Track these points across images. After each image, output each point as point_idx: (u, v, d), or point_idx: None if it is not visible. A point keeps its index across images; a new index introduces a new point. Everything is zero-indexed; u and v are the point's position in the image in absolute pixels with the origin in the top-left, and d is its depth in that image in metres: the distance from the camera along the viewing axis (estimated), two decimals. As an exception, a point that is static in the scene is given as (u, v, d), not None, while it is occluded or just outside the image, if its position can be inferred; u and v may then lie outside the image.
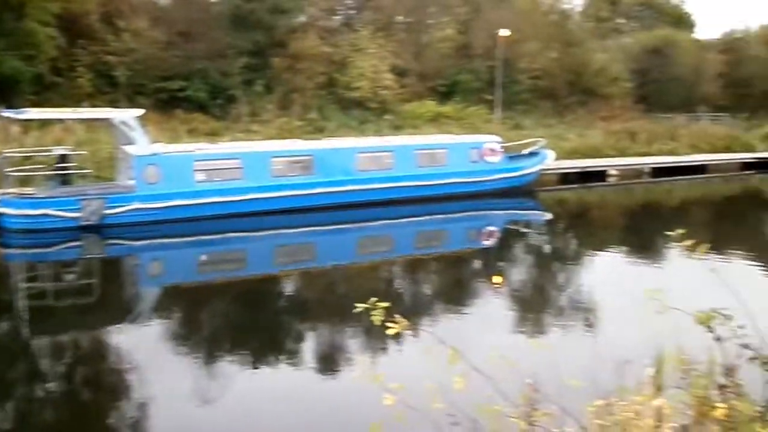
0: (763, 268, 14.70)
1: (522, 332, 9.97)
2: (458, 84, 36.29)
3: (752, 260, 15.55)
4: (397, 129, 30.17)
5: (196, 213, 17.87)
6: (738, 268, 13.99)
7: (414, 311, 11.69)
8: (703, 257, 3.83)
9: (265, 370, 8.83)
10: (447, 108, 33.73)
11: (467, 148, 23.12)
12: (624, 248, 17.55)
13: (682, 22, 57.91)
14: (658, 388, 3.37)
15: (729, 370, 3.23)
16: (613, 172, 29.58)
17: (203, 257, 16.40)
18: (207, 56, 29.27)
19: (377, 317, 2.78)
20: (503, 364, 3.26)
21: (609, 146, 32.60)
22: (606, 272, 14.51)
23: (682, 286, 4.53)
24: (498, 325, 10.28)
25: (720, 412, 2.70)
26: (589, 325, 9.87)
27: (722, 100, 44.70)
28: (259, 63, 30.89)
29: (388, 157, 21.62)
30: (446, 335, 10.08)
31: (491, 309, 11.56)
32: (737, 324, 3.44)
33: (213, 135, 25.50)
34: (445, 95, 35.48)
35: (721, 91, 44.83)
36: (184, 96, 28.55)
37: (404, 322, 2.79)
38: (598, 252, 17.42)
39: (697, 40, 50.46)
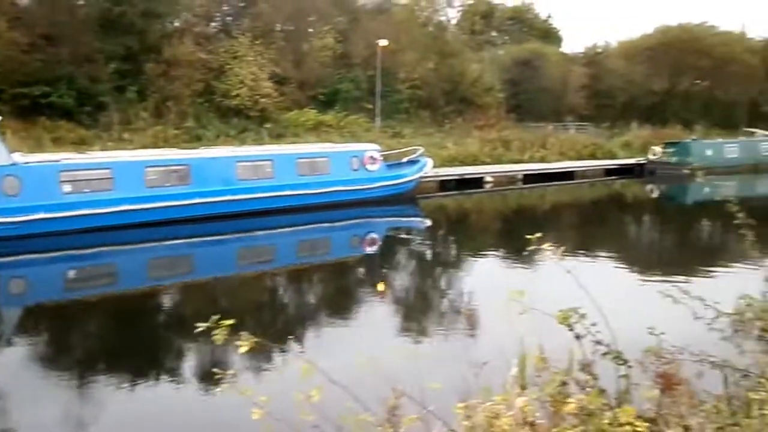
0: (622, 266, 15.78)
1: (398, 338, 10.10)
2: (339, 93, 36.50)
3: (614, 259, 16.68)
4: (277, 138, 29.91)
5: (63, 227, 16.85)
6: (601, 266, 14.95)
7: (294, 321, 11.62)
8: (571, 258, 4.04)
9: (139, 391, 8.44)
10: (328, 117, 33.84)
11: (348, 157, 23.29)
12: (500, 252, 18.25)
13: (550, 36, 61.31)
14: (522, 387, 3.52)
15: (585, 366, 3.42)
16: (489, 178, 30.75)
17: (71, 273, 15.47)
18: (73, 60, 27.71)
19: (220, 336, 2.73)
20: (374, 370, 3.29)
21: (485, 154, 33.87)
22: (482, 276, 15.01)
23: (548, 287, 4.76)
24: (377, 332, 10.39)
25: (571, 406, 2.86)
26: (463, 328, 10.19)
27: (587, 110, 47.68)
28: (132, 69, 29.63)
29: (269, 166, 21.38)
30: (324, 344, 10.09)
31: (372, 316, 11.66)
32: (591, 322, 3.64)
33: (81, 144, 24.21)
34: (325, 104, 35.58)
35: (585, 102, 47.80)
36: (47, 102, 26.86)
37: (252, 339, 2.76)
38: (475, 256, 18.00)
39: (564, 54, 53.61)
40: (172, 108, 29.39)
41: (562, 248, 4.19)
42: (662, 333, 4.07)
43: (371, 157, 23.64)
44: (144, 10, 29.65)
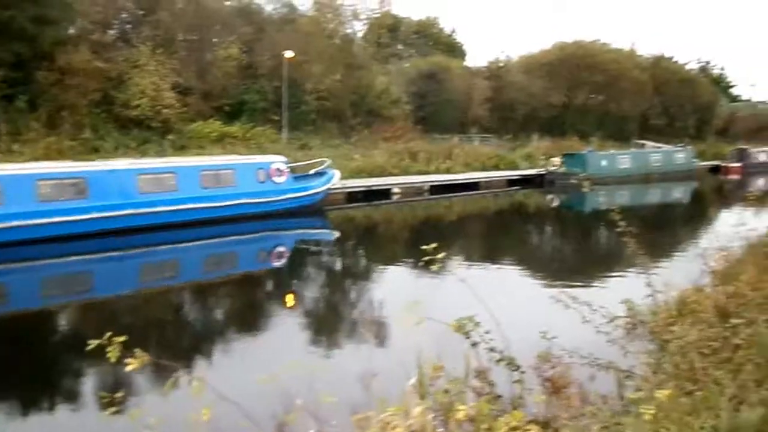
0: (524, 273, 16.31)
1: (302, 352, 10.02)
2: (244, 104, 36.03)
3: (516, 267, 17.23)
4: (180, 149, 29.17)
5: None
6: (504, 274, 15.40)
7: (196, 338, 11.33)
8: (477, 267, 4.14)
9: (24, 417, 7.98)
10: (233, 128, 33.31)
11: (254, 169, 22.99)
12: (408, 262, 18.43)
13: (455, 50, 62.94)
14: (422, 396, 3.57)
15: (479, 373, 3.52)
16: (396, 189, 31.09)
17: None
18: (-45, 68, 26.09)
19: (113, 354, 2.64)
20: (273, 386, 3.25)
21: (392, 165, 34.25)
22: (390, 286, 15.12)
23: (455, 296, 4.85)
24: (281, 346, 10.29)
25: (462, 413, 2.93)
26: (367, 340, 10.22)
27: (490, 122, 49.17)
28: (22, 77, 28.14)
29: (171, 178, 20.79)
30: (226, 361, 9.87)
31: (277, 331, 11.53)
32: (488, 329, 3.76)
33: (-36, 156, 22.76)
34: (231, 115, 35.02)
35: (488, 114, 49.27)
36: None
37: (145, 356, 2.68)
38: (384, 267, 18.09)
39: (467, 67, 55.08)
40: (67, 118, 28.11)
41: (458, 258, 4.31)
42: (554, 337, 4.25)
43: (278, 169, 23.44)
44: (35, 16, 28.22)
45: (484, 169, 38.35)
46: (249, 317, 12.64)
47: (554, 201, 35.15)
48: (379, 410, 3.04)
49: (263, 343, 10.75)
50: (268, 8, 42.36)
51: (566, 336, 5.23)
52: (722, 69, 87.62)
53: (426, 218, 29.05)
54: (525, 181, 37.88)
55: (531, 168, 40.15)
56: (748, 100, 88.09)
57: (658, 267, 16.49)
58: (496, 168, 39.12)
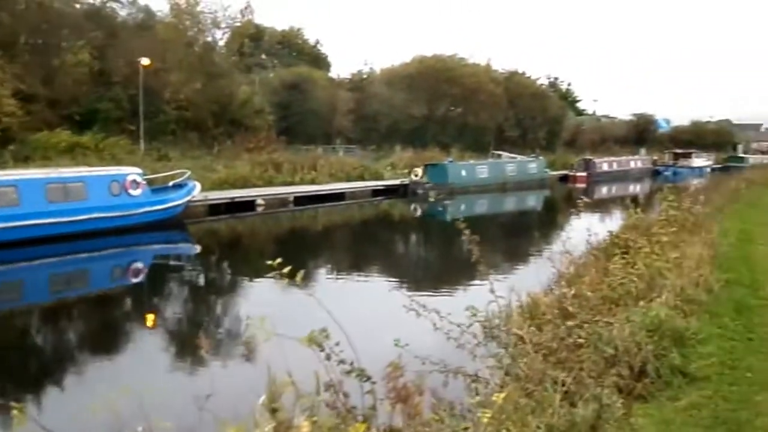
0: (386, 282, 16.56)
1: (151, 373, 9.62)
2: (97, 113, 34.16)
3: (378, 276, 17.50)
4: (24, 161, 27.11)
5: None
6: (367, 284, 15.60)
7: (33, 366, 10.56)
8: (343, 277, 4.12)
9: None
10: (84, 138, 31.44)
11: (107, 181, 21.81)
12: (272, 276, 18.15)
13: (319, 61, 63.16)
14: (271, 414, 3.51)
15: (330, 386, 3.52)
16: (260, 201, 30.63)
17: None
18: None
19: None
20: (111, 412, 3.08)
21: (256, 176, 33.75)
22: (252, 301, 14.78)
23: (309, 310, 4.79)
24: (129, 368, 9.82)
25: (306, 429, 2.92)
26: (222, 358, 9.96)
27: (354, 133, 49.75)
28: None
29: (12, 192, 19.26)
30: (66, 387, 9.23)
31: (128, 353, 10.97)
32: (344, 340, 3.77)
33: None
34: (82, 124, 33.05)
35: (352, 125, 49.84)
36: None
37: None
38: (247, 281, 17.72)
39: (332, 79, 55.48)
40: None
41: (323, 269, 4.30)
42: (406, 345, 4.33)
43: (133, 181, 22.38)
44: None
45: (348, 179, 38.67)
46: (97, 339, 11.95)
47: (417, 210, 36.08)
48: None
49: (110, 366, 10.18)
50: (123, 13, 40.54)
51: (424, 343, 5.37)
52: (569, 84, 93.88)
53: (291, 230, 28.85)
54: (389, 192, 38.60)
55: (394, 178, 40.96)
56: (592, 114, 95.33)
57: (513, 272, 17.44)
58: (361, 178, 39.58)
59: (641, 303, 7.48)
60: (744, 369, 6.64)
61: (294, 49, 64.37)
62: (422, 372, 4.04)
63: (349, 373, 3.55)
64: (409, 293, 14.40)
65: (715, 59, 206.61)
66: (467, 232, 5.03)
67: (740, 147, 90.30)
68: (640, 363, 6.34)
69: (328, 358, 3.94)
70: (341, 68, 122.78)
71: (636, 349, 6.35)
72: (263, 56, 60.93)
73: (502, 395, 3.01)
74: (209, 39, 40.30)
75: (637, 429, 4.88)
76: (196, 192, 24.99)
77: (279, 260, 3.75)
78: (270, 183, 33.96)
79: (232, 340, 11.22)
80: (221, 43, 42.72)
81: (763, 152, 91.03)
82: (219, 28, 40.29)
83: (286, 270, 3.77)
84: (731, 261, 12.32)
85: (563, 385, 3.91)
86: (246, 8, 39.94)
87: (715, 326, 7.98)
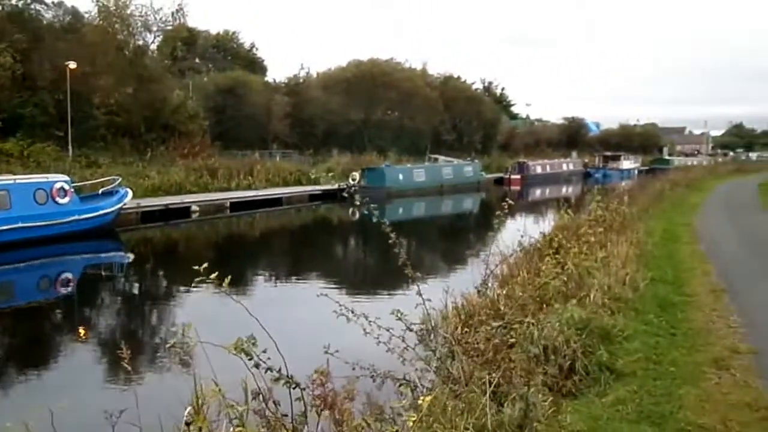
0: (323, 287, 16.48)
1: (85, 387, 9.30)
2: (21, 118, 32.83)
3: (315, 281, 17.40)
4: (-58, 169, 25.87)
5: None
6: (304, 290, 15.47)
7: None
8: (282, 283, 4.05)
9: None
10: (8, 145, 30.22)
11: (32, 189, 21.01)
12: (208, 284, 17.83)
13: (255, 65, 62.47)
14: (198, 425, 3.44)
15: (257, 395, 3.47)
16: (195, 208, 30.07)
17: None
18: None
19: None
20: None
21: (191, 183, 33.17)
22: (186, 311, 14.47)
23: (241, 317, 4.70)
24: (53, 385, 9.46)
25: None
26: (151, 370, 9.72)
27: (291, 138, 49.34)
28: None
29: (-72, 202, 18.35)
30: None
31: (60, 365, 10.58)
32: (266, 348, 3.72)
33: None
34: (4, 131, 31.70)
35: (289, 130, 49.40)
36: None
37: None
38: (181, 290, 17.28)
39: (268, 83, 54.93)
40: None
41: (259, 276, 4.24)
42: (336, 351, 4.31)
43: (61, 189, 21.63)
44: None
45: (286, 184, 38.41)
46: (21, 355, 11.47)
47: (355, 214, 36.07)
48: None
49: (34, 382, 9.78)
50: (48, 15, 39.08)
51: (361, 348, 5.36)
52: (503, 89, 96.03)
53: (228, 236, 28.40)
54: (327, 196, 38.49)
55: (332, 183, 40.86)
56: (526, 118, 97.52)
57: (451, 273, 17.62)
58: (298, 183, 39.35)
59: (573, 302, 7.66)
60: (668, 364, 6.88)
61: (229, 53, 63.49)
62: (352, 377, 4.03)
63: (277, 380, 3.51)
64: (347, 298, 14.43)
65: (642, 66, 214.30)
66: (393, 235, 5.03)
67: (666, 149, 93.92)
68: (569, 361, 6.50)
69: (256, 365, 3.89)
70: (277, 72, 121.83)
71: (565, 347, 6.51)
72: (197, 60, 59.85)
73: (428, 398, 3.02)
74: (140, 42, 39.27)
75: (565, 426, 4.99)
76: (128, 199, 24.34)
77: (205, 265, 3.66)
78: (205, 189, 33.44)
79: (161, 350, 10.94)
80: (153, 46, 41.72)
81: (687, 154, 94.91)
82: (150, 31, 39.34)
83: (213, 276, 3.68)
84: (656, 259, 12.79)
85: (492, 385, 3.96)
86: (178, 11, 39.07)
87: (640, 323, 8.25)
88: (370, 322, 4.51)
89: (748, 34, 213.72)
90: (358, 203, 5.47)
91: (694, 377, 6.52)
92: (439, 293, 9.87)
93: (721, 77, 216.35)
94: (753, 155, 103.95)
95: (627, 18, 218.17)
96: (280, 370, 3.57)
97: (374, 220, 5.41)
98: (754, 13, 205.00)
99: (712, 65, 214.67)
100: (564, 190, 53.67)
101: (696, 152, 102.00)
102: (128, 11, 37.31)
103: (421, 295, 5.35)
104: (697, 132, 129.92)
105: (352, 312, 4.60)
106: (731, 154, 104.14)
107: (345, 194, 5.09)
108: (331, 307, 5.35)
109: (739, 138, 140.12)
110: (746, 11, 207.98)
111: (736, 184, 39.32)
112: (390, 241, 5.08)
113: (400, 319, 4.67)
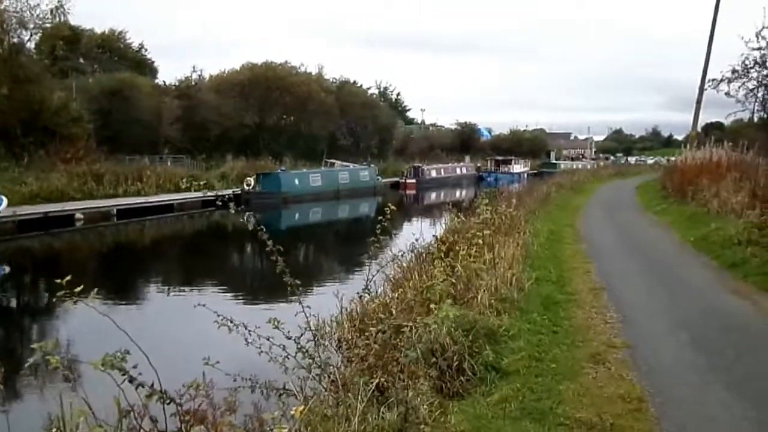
0: (217, 296, 16.10)
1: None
2: None
3: (207, 290, 16.97)
4: None
5: None
6: (189, 300, 15.00)
7: None
8: (175, 294, 3.86)
9: None
10: None
11: None
12: (99, 295, 17.00)
13: (143, 66, 60.13)
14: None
15: (127, 412, 3.31)
16: (79, 215, 28.63)
17: None
18: None
19: None
20: None
21: (74, 189, 31.63)
22: (72, 325, 13.72)
23: (119, 330, 4.47)
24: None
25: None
26: (18, 389, 9.14)
27: (182, 142, 47.85)
28: None
29: None
30: None
31: None
32: (141, 363, 3.56)
33: None
34: None
35: (180, 134, 47.91)
36: None
37: None
38: (63, 304, 16.32)
39: (157, 85, 53.04)
40: None
41: (146, 287, 4.05)
42: (217, 362, 4.18)
43: None
44: None
45: (177, 190, 37.25)
46: None
47: (251, 221, 35.44)
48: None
49: None
50: None
51: (244, 359, 5.24)
52: (398, 94, 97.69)
53: (115, 245, 27.20)
54: (221, 202, 37.48)
55: (226, 188, 39.98)
56: (421, 123, 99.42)
57: (347, 278, 17.65)
58: (191, 189, 38.19)
59: (449, 302, 7.83)
60: (549, 361, 7.17)
61: (116, 53, 60.74)
62: (234, 389, 3.92)
63: (149, 396, 3.36)
64: (234, 307, 14.19)
65: (530, 73, 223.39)
66: (270, 242, 4.96)
67: (553, 154, 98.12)
68: (457, 362, 6.64)
69: (130, 380, 3.71)
70: (168, 74, 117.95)
71: (452, 348, 6.64)
72: (81, 60, 56.95)
73: (300, 408, 2.98)
74: (15, 40, 36.92)
75: (450, 427, 5.08)
76: (3, 207, 22.82)
77: (68, 278, 3.45)
78: (90, 196, 31.97)
79: (28, 370, 10.31)
80: (30, 45, 39.35)
81: (572, 159, 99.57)
82: (26, 28, 37.06)
83: (77, 290, 3.48)
84: (541, 260, 13.31)
85: (375, 389, 3.98)
86: (58, 8, 37.04)
87: (525, 322, 8.55)
88: (249, 331, 4.41)
89: (630, 47, 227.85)
90: (233, 210, 5.33)
91: (573, 373, 6.82)
92: (335, 298, 9.87)
93: (603, 86, 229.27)
94: (632, 159, 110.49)
95: (513, 29, 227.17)
96: (152, 385, 3.43)
97: (282, 227, 5.30)
98: (632, 26, 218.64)
99: (594, 75, 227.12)
100: (458, 193, 55.11)
101: (581, 156, 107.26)
102: (2, 7, 35.04)
103: (300, 302, 5.30)
104: (581, 137, 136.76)
105: (231, 321, 4.49)
106: (612, 158, 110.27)
107: (219, 202, 4.95)
108: (216, 317, 5.21)
109: (619, 143, 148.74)
110: (623, 25, 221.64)
111: (617, 187, 41.66)
112: (267, 249, 4.98)
113: (277, 327, 4.61)
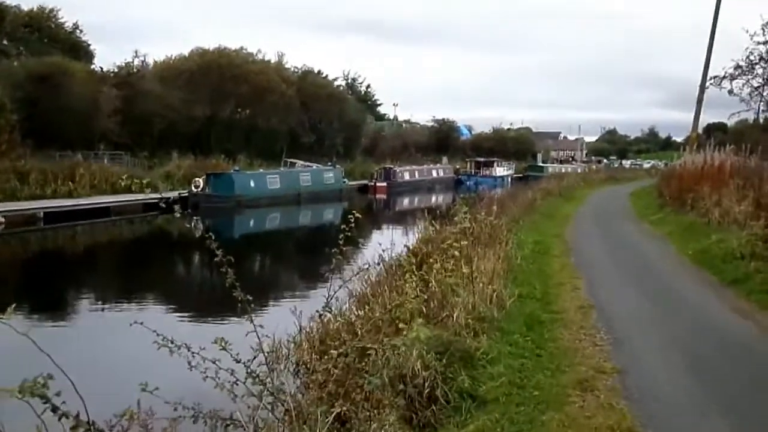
0: (153, 314, 15.94)
1: None
2: None
3: (146, 306, 16.79)
4: None
5: None
6: (125, 318, 14.80)
7: None
8: (107, 310, 3.79)
9: None
10: None
11: None
12: (19, 311, 16.70)
13: (78, 50, 59.41)
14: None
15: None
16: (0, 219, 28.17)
17: None
18: None
19: None
20: None
21: (-6, 189, 31.12)
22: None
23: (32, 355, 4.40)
24: None
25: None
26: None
27: (122, 137, 47.26)
28: None
29: None
30: None
31: None
32: (55, 390, 3.51)
33: None
34: None
35: (120, 128, 47.33)
36: None
37: None
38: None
39: (94, 72, 52.32)
40: None
41: (75, 304, 3.99)
42: (156, 388, 4.14)
43: None
44: None
45: (115, 192, 36.86)
46: None
47: (199, 227, 35.18)
48: None
49: None
50: None
51: (188, 385, 5.19)
52: (368, 86, 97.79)
53: (41, 253, 26.79)
54: (165, 205, 37.25)
55: (172, 190, 39.67)
56: (393, 119, 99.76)
57: (308, 294, 17.59)
58: (131, 191, 37.80)
59: (420, 321, 7.85)
60: (532, 387, 7.22)
61: (45, 34, 59.88)
62: (174, 419, 3.88)
63: (75, 428, 3.30)
64: (178, 325, 14.05)
65: (515, 66, 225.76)
66: (220, 252, 4.93)
67: (540, 156, 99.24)
68: (428, 388, 6.65)
69: (53, 410, 3.66)
70: (106, 60, 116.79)
71: (423, 373, 6.66)
72: (5, 42, 56.09)
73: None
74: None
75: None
76: None
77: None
78: (13, 197, 31.49)
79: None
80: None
81: (561, 161, 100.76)
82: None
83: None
84: (525, 274, 13.43)
85: (337, 420, 3.96)
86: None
87: (506, 344, 8.60)
88: (193, 353, 4.37)
89: (624, 38, 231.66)
90: (178, 214, 5.30)
91: (558, 401, 6.87)
92: (293, 316, 9.81)
93: (595, 81, 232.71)
94: (626, 162, 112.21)
95: (495, 17, 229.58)
96: (78, 415, 3.37)
97: (236, 235, 5.28)
98: (628, 16, 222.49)
99: (585, 68, 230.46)
100: (434, 198, 55.35)
101: (571, 159, 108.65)
102: None
103: (252, 320, 5.27)
104: (571, 137, 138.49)
105: (173, 342, 4.44)
106: (605, 161, 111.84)
107: (162, 204, 4.91)
108: (155, 337, 5.15)
109: (612, 144, 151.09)
110: (620, 16, 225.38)
111: (610, 193, 42.22)
112: (216, 259, 4.96)
113: (224, 349, 4.58)
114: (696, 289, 12.66)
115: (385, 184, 58.55)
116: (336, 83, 75.85)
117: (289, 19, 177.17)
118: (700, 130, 38.78)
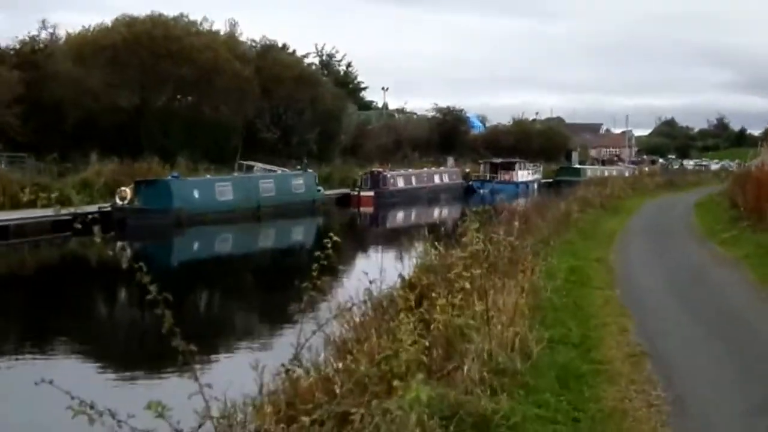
0: (75, 368, 15.92)
1: None
2: None
3: (61, 358, 16.76)
4: None
5: None
6: (34, 373, 14.77)
7: None
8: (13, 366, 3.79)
9: None
10: None
11: None
12: None
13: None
14: None
15: None
16: None
17: None
18: None
19: None
20: None
21: None
22: None
23: None
24: None
25: None
26: None
27: (25, 134, 47.19)
28: None
29: None
30: None
31: None
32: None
33: None
34: None
35: (22, 121, 47.28)
36: None
37: None
38: None
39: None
40: None
41: None
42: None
43: None
44: None
45: (15, 206, 36.80)
46: None
47: (125, 253, 35.02)
48: None
49: None
50: None
51: None
52: (349, 65, 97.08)
53: None
54: (81, 224, 37.12)
55: (89, 203, 39.60)
56: (383, 108, 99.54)
57: (270, 342, 17.59)
58: (34, 205, 37.73)
59: (420, 376, 7.87)
60: (567, 465, 7.25)
61: None
62: None
63: None
64: (104, 382, 13.98)
65: (543, 37, 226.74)
66: (153, 288, 4.97)
67: (575, 155, 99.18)
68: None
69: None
70: (4, 32, 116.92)
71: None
72: None
73: None
74: None
75: None
76: None
77: None
78: None
79: None
80: None
81: (603, 162, 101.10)
82: None
83: None
84: (557, 312, 13.46)
85: None
86: None
87: (532, 405, 8.62)
88: (120, 421, 4.39)
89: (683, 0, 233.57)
90: (98, 239, 5.37)
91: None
92: (253, 371, 9.81)
93: (646, 58, 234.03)
94: (689, 163, 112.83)
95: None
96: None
97: (173, 263, 5.32)
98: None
99: (633, 41, 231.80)
100: (437, 212, 55.53)
101: (616, 159, 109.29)
102: None
103: (197, 378, 5.28)
104: (616, 131, 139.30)
105: (92, 407, 4.45)
106: (660, 161, 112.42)
107: (78, 225, 5.04)
108: (69, 400, 5.15)
109: (671, 139, 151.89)
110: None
111: (667, 204, 42.43)
112: (149, 297, 4.99)
113: (161, 415, 4.60)
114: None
115: (372, 193, 58.54)
116: (307, 61, 76.11)
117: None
118: (784, 121, 39.00)
